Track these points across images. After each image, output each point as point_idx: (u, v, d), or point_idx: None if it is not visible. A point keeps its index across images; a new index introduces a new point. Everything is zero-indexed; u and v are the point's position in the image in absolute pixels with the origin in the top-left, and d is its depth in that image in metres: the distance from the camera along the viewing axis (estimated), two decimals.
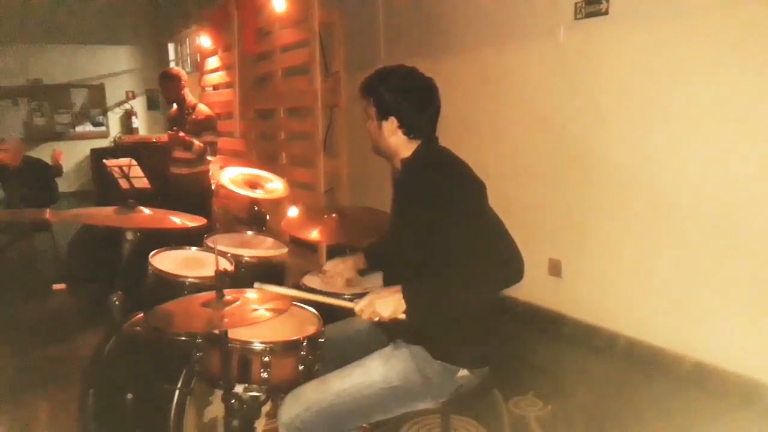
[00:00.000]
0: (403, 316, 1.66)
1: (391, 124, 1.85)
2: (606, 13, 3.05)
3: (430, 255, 1.74)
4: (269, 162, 5.66)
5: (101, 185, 8.43)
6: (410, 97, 1.84)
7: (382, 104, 1.85)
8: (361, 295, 1.72)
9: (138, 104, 10.88)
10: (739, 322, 2.68)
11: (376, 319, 1.68)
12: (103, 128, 10.75)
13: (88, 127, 10.67)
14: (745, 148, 2.61)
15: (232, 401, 1.80)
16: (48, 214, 5.03)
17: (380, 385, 1.76)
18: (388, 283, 1.98)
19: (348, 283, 2.26)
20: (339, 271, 2.24)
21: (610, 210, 3.17)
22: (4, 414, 2.95)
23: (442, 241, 1.69)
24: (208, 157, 4.76)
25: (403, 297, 1.64)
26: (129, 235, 2.24)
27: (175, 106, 4.82)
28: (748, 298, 2.64)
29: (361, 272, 2.28)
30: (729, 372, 2.71)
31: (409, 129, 1.85)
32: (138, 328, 2.37)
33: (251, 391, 1.84)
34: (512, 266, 1.63)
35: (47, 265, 5.41)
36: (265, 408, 1.98)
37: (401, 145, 1.87)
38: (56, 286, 4.93)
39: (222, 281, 1.78)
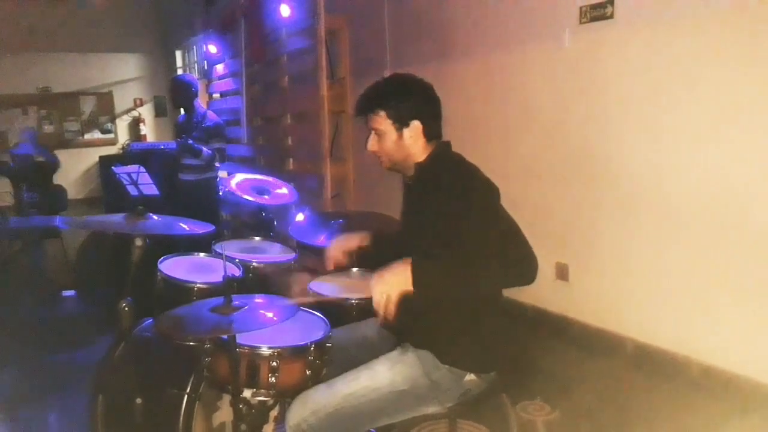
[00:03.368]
0: (410, 288, 1.62)
1: (414, 130, 1.84)
2: (611, 17, 3.05)
3: (444, 252, 1.73)
4: (276, 167, 5.68)
5: (110, 192, 8.50)
6: (427, 100, 1.86)
7: (400, 112, 1.83)
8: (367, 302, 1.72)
9: (146, 111, 10.95)
10: (748, 326, 2.67)
11: (386, 295, 1.64)
12: (112, 135, 10.82)
13: (96, 135, 10.74)
14: (753, 150, 2.60)
15: (241, 406, 1.81)
16: (57, 221, 5.08)
17: (387, 390, 1.76)
18: None
19: (348, 258, 2.17)
20: (339, 245, 2.15)
21: (617, 213, 3.17)
22: (14, 419, 2.97)
23: (458, 240, 1.68)
24: (217, 164, 4.79)
25: (412, 269, 1.62)
26: (138, 242, 2.25)
27: (183, 112, 4.84)
28: (757, 302, 2.63)
29: (363, 258, 2.19)
30: (737, 376, 2.70)
31: (430, 131, 1.86)
32: (147, 333, 2.39)
33: (259, 396, 1.85)
34: (526, 263, 1.63)
35: (57, 272, 5.45)
36: (273, 412, 2.00)
37: (419, 149, 1.87)
38: (66, 293, 4.97)
39: (230, 287, 1.79)
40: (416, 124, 1.83)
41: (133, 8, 10.27)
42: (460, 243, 1.66)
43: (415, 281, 1.62)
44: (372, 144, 1.89)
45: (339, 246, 2.16)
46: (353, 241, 2.16)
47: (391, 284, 1.64)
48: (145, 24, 10.53)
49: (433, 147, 1.88)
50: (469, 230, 1.66)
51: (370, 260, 2.05)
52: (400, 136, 1.84)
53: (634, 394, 2.86)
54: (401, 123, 1.83)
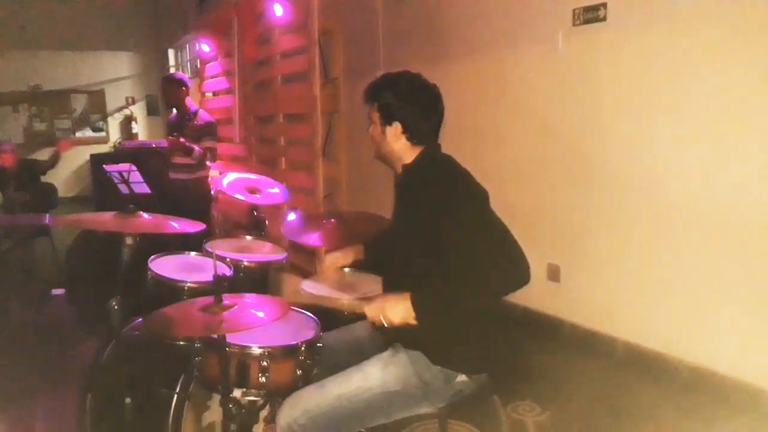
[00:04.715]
0: (414, 322, 1.66)
1: (395, 130, 1.86)
2: (604, 19, 3.06)
3: (433, 260, 1.74)
4: (269, 167, 5.67)
5: (101, 190, 8.46)
6: (415, 104, 1.86)
7: (386, 109, 1.86)
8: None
9: (138, 110, 10.90)
10: (739, 327, 2.68)
11: (385, 323, 1.68)
12: (103, 134, 10.77)
13: (88, 133, 10.69)
14: (745, 151, 2.62)
15: (230, 406, 1.80)
16: (47, 219, 5.04)
17: (379, 390, 1.76)
18: (388, 287, 1.99)
19: (342, 277, 2.23)
20: (333, 260, 2.19)
21: (609, 215, 3.18)
22: (3, 419, 2.95)
23: (445, 246, 1.69)
24: (208, 163, 4.77)
25: (412, 305, 1.65)
26: (128, 240, 2.23)
27: (174, 111, 4.82)
28: (747, 303, 2.65)
29: (358, 266, 2.24)
30: (727, 377, 2.71)
31: (412, 135, 1.86)
32: (137, 332, 2.38)
33: (249, 396, 1.84)
34: (518, 269, 1.64)
35: (46, 270, 5.40)
36: (263, 412, 1.99)
37: (404, 150, 1.88)
38: (55, 291, 4.93)
39: (220, 286, 1.78)
40: (396, 125, 1.86)
41: (126, 6, 10.23)
42: (446, 252, 1.68)
43: (418, 316, 1.66)
44: (368, 129, 1.95)
45: (333, 263, 2.19)
46: (347, 257, 2.19)
47: (393, 318, 1.67)
48: (137, 22, 10.49)
49: (421, 149, 1.88)
50: (455, 238, 1.67)
51: (366, 268, 2.08)
52: (384, 132, 1.88)
53: (625, 395, 2.87)
54: (385, 120, 1.87)
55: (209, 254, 2.64)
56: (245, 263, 2.67)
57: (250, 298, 1.87)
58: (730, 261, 2.69)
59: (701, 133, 2.76)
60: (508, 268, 1.63)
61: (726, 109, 2.66)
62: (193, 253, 2.73)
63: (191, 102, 4.80)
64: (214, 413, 2.16)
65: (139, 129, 10.82)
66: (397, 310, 1.67)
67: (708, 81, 2.71)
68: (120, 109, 10.83)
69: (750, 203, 2.61)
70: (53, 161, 5.85)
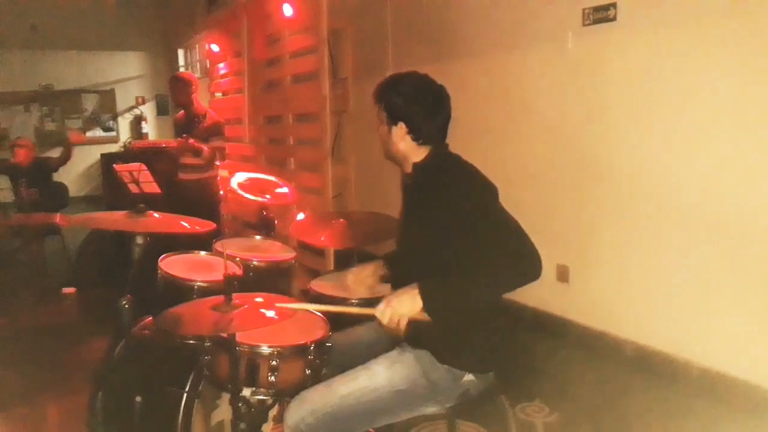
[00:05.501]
0: (422, 316, 1.65)
1: (400, 130, 1.87)
2: (614, 19, 3.05)
3: (444, 257, 1.75)
4: (278, 167, 5.68)
5: (111, 190, 8.50)
6: (419, 104, 1.86)
7: (391, 110, 1.88)
8: (373, 301, 1.72)
9: (148, 109, 10.96)
10: (748, 329, 2.66)
11: (397, 319, 1.66)
12: (114, 133, 10.84)
13: (98, 132, 10.76)
14: (754, 153, 2.60)
15: (240, 405, 1.81)
16: (58, 218, 5.08)
17: (386, 389, 1.76)
18: (397, 287, 1.99)
19: (370, 290, 2.16)
20: (362, 278, 2.14)
21: (618, 215, 3.17)
22: (14, 417, 2.98)
23: (456, 242, 1.70)
24: (217, 163, 4.79)
25: (420, 292, 1.64)
26: (139, 240, 2.25)
27: (182, 111, 4.84)
28: (756, 305, 2.63)
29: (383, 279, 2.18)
30: (737, 379, 2.70)
31: (417, 135, 1.87)
32: (147, 331, 2.39)
33: (258, 395, 1.85)
34: (530, 264, 1.64)
35: (57, 269, 5.45)
36: (272, 412, 2.00)
37: (411, 150, 1.89)
38: (66, 290, 4.97)
39: (230, 285, 1.79)
40: (401, 126, 1.87)
41: (136, 6, 10.29)
42: (461, 257, 1.67)
43: (426, 306, 1.64)
44: (378, 129, 1.96)
45: (358, 279, 2.14)
46: (368, 270, 2.14)
47: (402, 311, 1.66)
48: (147, 22, 10.54)
49: (430, 148, 1.89)
50: (466, 235, 1.67)
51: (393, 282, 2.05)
52: (390, 131, 1.89)
53: (634, 396, 2.86)
54: (391, 120, 1.89)
55: (220, 254, 2.66)
56: (255, 263, 2.68)
57: (259, 297, 1.87)
58: (740, 262, 2.68)
59: (710, 133, 2.75)
60: (519, 262, 1.63)
61: (737, 110, 2.65)
62: (203, 253, 2.74)
63: (199, 102, 4.81)
64: (223, 412, 2.17)
65: (149, 129, 10.88)
66: (403, 301, 1.65)
67: (719, 82, 2.70)
68: (130, 108, 10.89)
69: (760, 203, 2.59)
70: (65, 156, 5.89)
